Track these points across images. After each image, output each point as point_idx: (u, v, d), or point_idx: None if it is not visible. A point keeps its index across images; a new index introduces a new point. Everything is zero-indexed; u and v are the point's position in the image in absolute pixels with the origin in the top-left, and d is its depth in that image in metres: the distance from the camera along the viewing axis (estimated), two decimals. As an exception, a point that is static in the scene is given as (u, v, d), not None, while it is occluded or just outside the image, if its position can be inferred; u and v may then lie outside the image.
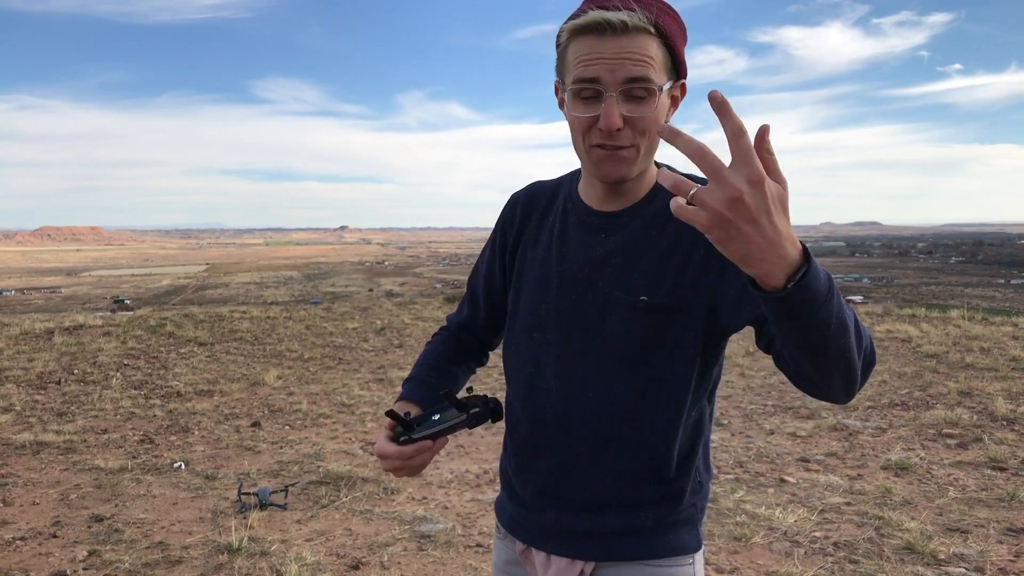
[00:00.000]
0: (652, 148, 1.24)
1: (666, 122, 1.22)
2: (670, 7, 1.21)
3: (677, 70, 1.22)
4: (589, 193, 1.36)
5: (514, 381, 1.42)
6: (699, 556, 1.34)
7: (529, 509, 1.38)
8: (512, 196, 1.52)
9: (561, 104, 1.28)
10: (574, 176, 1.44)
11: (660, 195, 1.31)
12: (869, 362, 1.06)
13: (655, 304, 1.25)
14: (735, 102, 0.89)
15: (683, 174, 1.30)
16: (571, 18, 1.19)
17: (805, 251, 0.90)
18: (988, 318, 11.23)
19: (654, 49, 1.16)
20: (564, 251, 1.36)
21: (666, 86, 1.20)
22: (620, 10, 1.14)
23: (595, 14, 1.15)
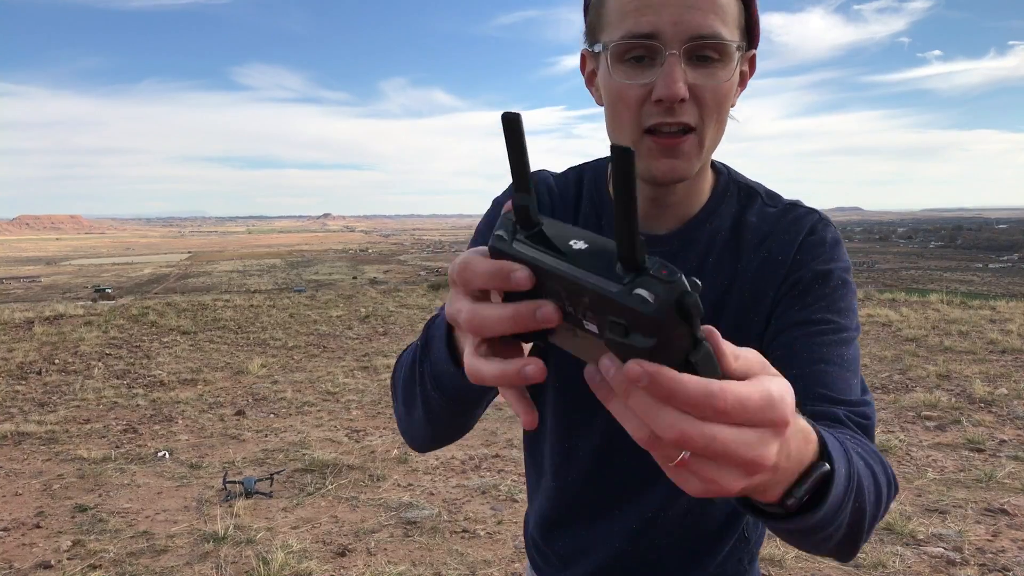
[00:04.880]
0: (718, 136, 0.91)
1: (733, 104, 0.92)
2: None
3: (750, 35, 0.92)
4: None
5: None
6: None
7: None
8: (542, 179, 1.04)
9: (591, 80, 0.96)
10: (597, 174, 1.05)
11: (719, 210, 0.99)
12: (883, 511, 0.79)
13: None
14: (717, 89, 0.85)
15: (750, 183, 1.02)
16: None
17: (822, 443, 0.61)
18: (966, 302, 11.38)
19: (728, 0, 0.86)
20: None
21: (740, 50, 0.89)
22: None
23: None
